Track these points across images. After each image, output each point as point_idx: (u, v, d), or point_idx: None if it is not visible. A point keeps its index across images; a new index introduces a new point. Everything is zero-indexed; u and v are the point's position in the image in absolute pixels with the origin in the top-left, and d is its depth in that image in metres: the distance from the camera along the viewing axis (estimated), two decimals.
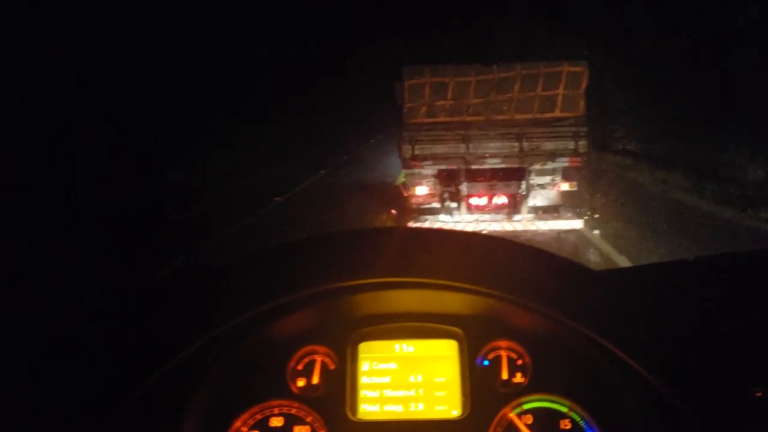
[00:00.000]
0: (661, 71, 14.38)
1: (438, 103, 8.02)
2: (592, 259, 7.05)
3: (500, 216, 8.43)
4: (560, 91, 7.93)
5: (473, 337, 1.09)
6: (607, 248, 7.49)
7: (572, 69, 7.89)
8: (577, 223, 8.11)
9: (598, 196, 10.05)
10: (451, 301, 1.07)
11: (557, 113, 8.03)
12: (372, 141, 26.42)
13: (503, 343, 1.08)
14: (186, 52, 15.62)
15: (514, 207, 8.46)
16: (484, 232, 7.43)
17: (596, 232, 8.08)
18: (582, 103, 8.01)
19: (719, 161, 10.99)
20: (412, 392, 1.07)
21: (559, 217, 8.34)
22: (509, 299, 0.98)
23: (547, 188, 8.48)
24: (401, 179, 9.27)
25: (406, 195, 8.86)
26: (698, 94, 12.19)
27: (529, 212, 8.40)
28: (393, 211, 9.11)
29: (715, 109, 11.70)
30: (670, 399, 0.85)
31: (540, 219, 8.29)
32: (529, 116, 8.02)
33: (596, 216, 8.68)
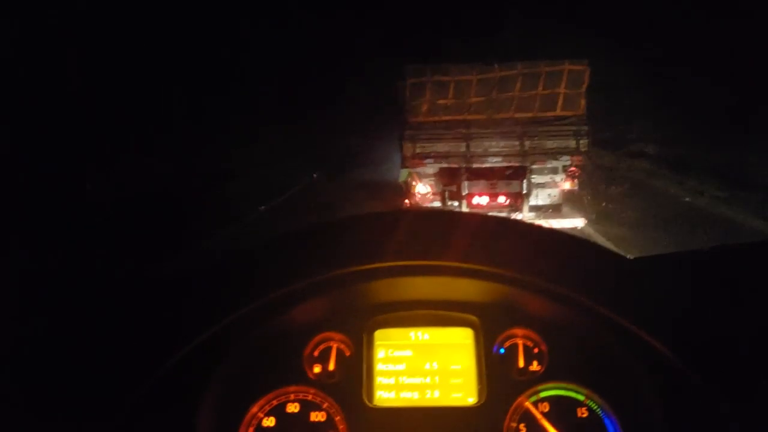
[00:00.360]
0: (677, 71, 14.26)
1: (439, 101, 8.02)
2: None
3: (501, 215, 8.42)
4: (561, 89, 7.93)
5: (489, 325, 1.08)
6: None
7: (573, 68, 7.89)
8: (579, 222, 8.10)
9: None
10: (467, 289, 1.06)
11: (558, 112, 8.03)
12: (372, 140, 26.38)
13: (519, 331, 1.07)
14: (186, 53, 15.61)
15: (515, 206, 8.46)
16: None
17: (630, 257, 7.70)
18: (583, 101, 8.01)
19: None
20: (427, 379, 1.06)
21: (561, 216, 8.34)
22: (528, 282, 0.97)
23: (548, 187, 8.49)
24: (403, 178, 9.25)
25: (407, 194, 8.85)
26: (714, 94, 12.07)
27: (531, 211, 8.40)
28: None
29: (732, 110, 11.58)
30: (700, 385, 0.84)
31: (541, 218, 8.28)
32: (530, 115, 8.02)
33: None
